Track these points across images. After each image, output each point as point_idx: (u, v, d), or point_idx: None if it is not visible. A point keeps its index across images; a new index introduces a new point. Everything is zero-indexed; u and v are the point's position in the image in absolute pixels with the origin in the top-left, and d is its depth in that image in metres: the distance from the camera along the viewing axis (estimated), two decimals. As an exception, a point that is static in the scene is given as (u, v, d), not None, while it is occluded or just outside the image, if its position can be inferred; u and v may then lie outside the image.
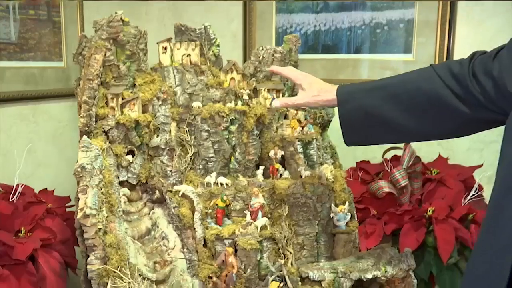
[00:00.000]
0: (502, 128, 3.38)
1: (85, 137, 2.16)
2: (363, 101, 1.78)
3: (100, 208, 2.12)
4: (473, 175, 3.26)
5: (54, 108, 3.03)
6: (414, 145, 3.14)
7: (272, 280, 2.09)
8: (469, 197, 3.11)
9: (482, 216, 3.03)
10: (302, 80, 1.93)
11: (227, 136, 2.49)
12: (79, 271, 2.50)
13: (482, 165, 3.31)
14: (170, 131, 2.43)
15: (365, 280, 2.29)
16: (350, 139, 1.85)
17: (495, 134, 3.35)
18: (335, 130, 3.66)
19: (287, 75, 2.05)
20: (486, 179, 3.35)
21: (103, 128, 2.36)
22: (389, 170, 3.19)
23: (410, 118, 1.69)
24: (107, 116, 2.36)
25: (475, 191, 3.12)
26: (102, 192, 2.15)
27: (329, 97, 1.85)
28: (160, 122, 2.42)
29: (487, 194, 3.29)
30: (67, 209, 2.69)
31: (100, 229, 2.07)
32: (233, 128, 2.48)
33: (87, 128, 2.31)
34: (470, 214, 3.03)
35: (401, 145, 3.18)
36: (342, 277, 2.24)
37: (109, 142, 2.37)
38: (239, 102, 2.54)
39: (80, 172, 2.07)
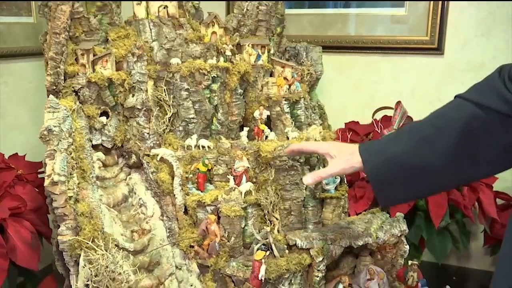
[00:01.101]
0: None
1: (51, 96, 1.97)
2: (389, 152, 1.60)
3: (71, 174, 1.95)
4: (466, 135, 3.15)
5: (24, 67, 2.81)
6: (405, 103, 3.00)
7: (257, 249, 1.95)
8: (461, 159, 3.00)
9: (474, 178, 2.93)
10: (328, 148, 1.80)
11: (208, 95, 2.31)
12: (53, 241, 2.36)
13: (475, 125, 3.19)
14: (146, 90, 2.24)
15: (355, 247, 2.18)
16: (384, 199, 1.64)
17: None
18: (323, 89, 3.54)
19: (310, 149, 1.93)
20: (479, 140, 3.25)
21: (73, 87, 2.17)
22: (379, 131, 3.06)
23: (447, 157, 1.47)
24: (77, 74, 2.17)
25: (468, 152, 3.01)
26: (72, 157, 1.98)
27: (359, 158, 1.67)
28: (135, 80, 2.23)
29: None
30: (40, 176, 2.52)
31: (70, 197, 1.91)
32: (215, 86, 2.30)
33: (54, 87, 2.12)
34: (462, 176, 2.92)
35: (392, 104, 3.04)
36: (331, 244, 2.12)
37: (80, 103, 2.19)
38: (221, 59, 2.35)
39: (46, 135, 1.89)
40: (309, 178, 1.83)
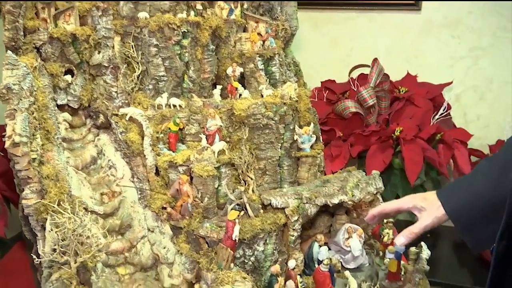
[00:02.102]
0: (472, 43, 3.22)
1: (9, 52, 1.85)
2: (469, 191, 1.49)
3: (33, 135, 1.85)
4: (442, 93, 3.13)
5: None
6: (382, 61, 2.95)
7: (231, 209, 1.90)
8: (437, 116, 2.98)
9: (450, 136, 2.93)
10: (413, 201, 1.64)
11: (179, 52, 2.21)
12: (20, 206, 2.27)
13: (451, 82, 3.17)
14: (113, 47, 2.13)
15: (331, 205, 2.15)
16: (474, 242, 1.53)
17: (466, 49, 3.20)
18: (299, 46, 3.46)
19: (392, 208, 1.73)
20: (455, 97, 3.23)
21: (34, 44, 2.04)
22: (355, 89, 3.01)
23: None
24: (38, 30, 2.04)
25: (443, 110, 2.99)
26: (34, 117, 1.88)
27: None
28: (101, 36, 2.12)
29: (455, 113, 3.18)
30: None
31: (34, 159, 1.82)
32: (185, 42, 2.20)
33: (14, 43, 1.99)
34: (438, 133, 2.91)
35: (369, 62, 2.98)
36: (306, 203, 2.08)
37: (42, 60, 2.07)
38: (192, 13, 2.25)
39: (5, 94, 1.79)
40: (402, 239, 1.63)
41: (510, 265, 1.17)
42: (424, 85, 3.15)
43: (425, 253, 2.12)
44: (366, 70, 3.11)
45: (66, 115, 2.18)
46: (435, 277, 2.80)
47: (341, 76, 3.38)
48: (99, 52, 2.13)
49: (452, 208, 1.52)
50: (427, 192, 1.64)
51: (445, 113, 3.01)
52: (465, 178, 1.60)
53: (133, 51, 2.15)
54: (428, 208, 1.58)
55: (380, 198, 2.31)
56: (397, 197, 2.95)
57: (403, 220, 3.37)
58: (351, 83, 3.18)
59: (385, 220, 2.23)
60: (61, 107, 2.18)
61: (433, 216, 1.55)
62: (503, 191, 1.35)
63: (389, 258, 2.13)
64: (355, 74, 3.29)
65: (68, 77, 2.14)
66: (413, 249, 2.12)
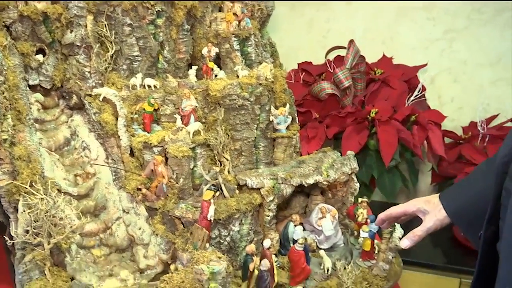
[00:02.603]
0: (447, 25, 3.24)
1: (-23, 30, 1.81)
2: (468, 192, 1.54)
3: (4, 115, 1.82)
4: (417, 75, 3.16)
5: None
6: (358, 43, 2.96)
7: (206, 189, 1.90)
8: (412, 98, 3.01)
9: (424, 117, 2.97)
10: (417, 204, 1.67)
11: (153, 31, 2.18)
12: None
13: (426, 64, 3.20)
14: (86, 26, 2.08)
15: (306, 185, 2.16)
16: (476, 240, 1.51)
17: (440, 31, 3.23)
18: (275, 28, 3.44)
19: (399, 212, 1.74)
20: (429, 79, 3.27)
21: (3, 22, 1.99)
22: (332, 71, 3.02)
23: None
24: (8, 7, 1.98)
25: (418, 92, 3.02)
26: (5, 97, 1.84)
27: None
28: (73, 14, 2.07)
29: (429, 94, 3.22)
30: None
31: (5, 139, 1.79)
32: (159, 21, 2.17)
33: (-18, 21, 1.94)
34: (412, 115, 2.95)
35: (345, 44, 2.99)
36: (282, 183, 2.10)
37: (13, 39, 2.02)
38: (166, -8, 2.21)
39: (-26, 73, 1.75)
40: (407, 242, 1.65)
41: (496, 251, 1.19)
42: (399, 67, 3.17)
43: (398, 232, 2.14)
44: (342, 52, 3.11)
45: (38, 96, 2.14)
46: (409, 257, 2.86)
47: (317, 58, 3.38)
48: (71, 31, 2.08)
49: (453, 210, 1.56)
50: (431, 195, 1.67)
51: (420, 95, 3.04)
52: (465, 179, 1.63)
53: (106, 30, 2.11)
54: (431, 211, 1.61)
55: (355, 178, 2.33)
56: (373, 178, 2.99)
57: (378, 201, 3.43)
58: (328, 65, 3.19)
59: (359, 200, 2.25)
60: (33, 88, 2.13)
61: (436, 218, 1.59)
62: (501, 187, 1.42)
63: (363, 237, 2.16)
64: (331, 56, 3.30)
65: (39, 57, 2.10)
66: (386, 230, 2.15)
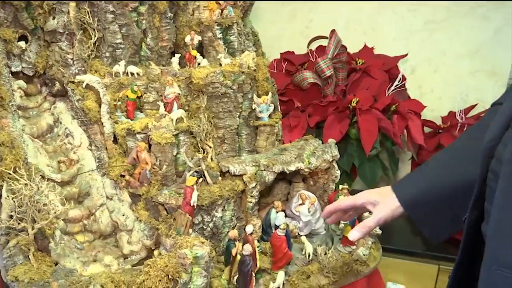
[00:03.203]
0: (427, 16, 3.28)
1: (-42, 16, 1.80)
2: (420, 182, 1.50)
3: (-14, 101, 1.82)
4: (398, 65, 3.20)
5: None
6: (340, 33, 2.99)
7: (189, 176, 1.92)
8: (392, 88, 3.06)
9: (404, 107, 3.02)
10: (367, 196, 1.61)
11: (136, 19, 2.19)
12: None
13: (407, 54, 3.25)
14: (68, 12, 2.07)
15: (288, 172, 2.20)
16: (430, 231, 1.51)
17: (421, 22, 3.27)
18: (258, 18, 3.46)
19: (347, 204, 1.67)
20: (410, 69, 3.32)
21: (-16, 9, 1.98)
22: (314, 61, 3.05)
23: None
24: (-11, -7, 1.98)
25: (398, 81, 3.07)
26: (-13, 83, 1.84)
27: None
28: (56, 1, 2.06)
29: (409, 84, 3.27)
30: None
31: (-12, 125, 1.79)
32: (142, 9, 2.17)
33: (-37, 7, 1.93)
34: (393, 104, 2.99)
35: (328, 34, 3.02)
36: (264, 170, 2.12)
37: (-6, 25, 2.01)
38: (149, -20, 2.21)
39: (-45, 59, 1.74)
40: (356, 233, 1.58)
41: (481, 234, 1.22)
42: (380, 57, 3.22)
43: (378, 217, 2.19)
44: (325, 42, 3.14)
45: (21, 83, 2.13)
46: (389, 244, 2.92)
47: (300, 47, 3.41)
48: (53, 18, 2.07)
49: (406, 199, 1.51)
50: (383, 187, 1.62)
51: (400, 85, 3.09)
52: (419, 169, 1.59)
53: (89, 17, 2.10)
54: (382, 201, 1.56)
55: (336, 166, 2.37)
56: (354, 167, 3.04)
57: (359, 190, 3.47)
58: (310, 55, 3.22)
59: (340, 187, 2.29)
60: (15, 75, 2.13)
61: (387, 208, 1.53)
62: (458, 177, 1.39)
63: (344, 224, 2.21)
64: (314, 46, 3.33)
65: (22, 43, 2.09)
66: (366, 214, 2.19)
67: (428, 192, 1.47)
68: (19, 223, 1.69)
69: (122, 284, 1.56)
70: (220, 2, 2.35)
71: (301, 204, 2.28)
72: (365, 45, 3.29)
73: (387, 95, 3.04)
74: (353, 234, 1.58)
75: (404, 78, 3.13)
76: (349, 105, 2.91)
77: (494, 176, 1.16)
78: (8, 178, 1.76)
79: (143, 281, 1.56)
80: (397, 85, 3.06)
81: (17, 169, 1.77)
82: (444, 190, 1.44)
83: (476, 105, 3.15)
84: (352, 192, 2.56)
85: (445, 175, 1.46)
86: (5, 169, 1.77)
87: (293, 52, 3.36)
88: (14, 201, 1.69)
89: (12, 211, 1.71)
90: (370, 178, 3.05)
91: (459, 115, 3.05)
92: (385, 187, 1.59)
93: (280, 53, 3.35)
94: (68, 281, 1.59)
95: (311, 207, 2.27)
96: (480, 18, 3.14)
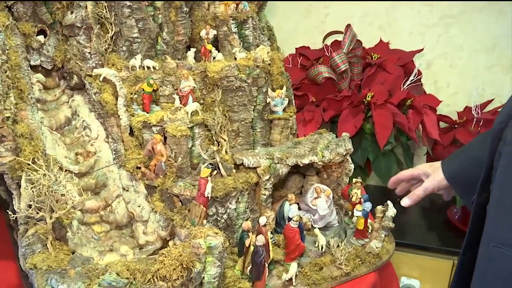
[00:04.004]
0: (443, 11, 3.26)
1: (-20, 10, 1.84)
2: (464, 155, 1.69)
3: (7, 94, 1.86)
4: (413, 59, 3.19)
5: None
6: (356, 28, 2.99)
7: (204, 167, 1.95)
8: (408, 82, 3.05)
9: (419, 102, 3.01)
10: (423, 168, 1.89)
11: (152, 13, 2.22)
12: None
13: (422, 49, 3.23)
14: (86, 7, 2.11)
15: (301, 165, 2.21)
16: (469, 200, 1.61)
17: (437, 17, 3.26)
18: (274, 13, 3.47)
19: (407, 174, 1.95)
20: (425, 64, 3.31)
21: (5, 3, 2.02)
22: (329, 55, 3.06)
23: None
24: (9, -12, 2.02)
25: (414, 76, 3.06)
26: (7, 76, 1.88)
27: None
28: (73, -4, 2.10)
29: (425, 79, 3.26)
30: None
31: (8, 117, 1.83)
32: (158, 3, 2.20)
33: (-16, 2, 1.98)
34: (408, 99, 2.99)
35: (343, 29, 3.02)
36: (278, 163, 2.14)
37: (14, 19, 2.05)
38: (165, -26, 2.24)
39: (-23, 52, 1.78)
40: (407, 200, 1.84)
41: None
42: (396, 52, 3.21)
43: (391, 211, 2.20)
44: (340, 37, 3.15)
45: (40, 76, 2.18)
46: (405, 239, 2.93)
47: (315, 42, 3.42)
48: (71, 12, 2.11)
49: (450, 173, 1.72)
50: (437, 161, 1.83)
51: (416, 80, 3.08)
52: (465, 146, 1.77)
53: (106, 12, 2.14)
54: (432, 173, 1.79)
55: (350, 159, 2.38)
56: (368, 161, 3.04)
57: (374, 185, 3.48)
58: (325, 50, 3.22)
59: (354, 180, 2.30)
60: (34, 68, 2.17)
61: (435, 180, 1.76)
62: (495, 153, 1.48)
63: (357, 216, 2.22)
64: (329, 41, 3.34)
65: (40, 38, 2.13)
66: (379, 207, 2.20)
67: (468, 168, 1.65)
68: (37, 213, 1.73)
69: (137, 272, 1.59)
70: (235, -4, 2.37)
71: (316, 198, 2.29)
72: (380, 39, 3.29)
73: (402, 90, 3.03)
74: (405, 201, 1.85)
75: (419, 73, 3.12)
76: (364, 100, 2.92)
77: (499, 157, 1.20)
78: (27, 168, 1.80)
79: (158, 269, 1.59)
80: (412, 79, 3.05)
81: (35, 160, 1.81)
82: (482, 166, 1.51)
83: (492, 100, 3.13)
84: (367, 188, 2.57)
85: (482, 154, 1.52)
86: (24, 159, 1.81)
87: (308, 47, 3.37)
88: (32, 191, 1.73)
89: (30, 201, 1.74)
90: (384, 173, 3.05)
91: (475, 110, 3.03)
92: (437, 161, 1.83)
93: (296, 48, 3.36)
94: (85, 269, 1.62)
95: (327, 200, 2.29)
96: (497, 13, 3.11)
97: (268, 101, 2.33)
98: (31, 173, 1.76)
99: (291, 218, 2.03)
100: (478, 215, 1.31)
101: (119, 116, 2.08)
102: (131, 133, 2.12)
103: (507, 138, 1.15)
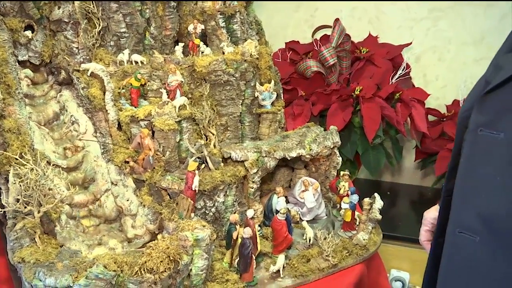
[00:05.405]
0: (432, 4, 3.27)
1: (-35, 5, 1.84)
2: None
3: (-7, 89, 1.87)
4: (402, 53, 3.21)
5: None
6: (345, 22, 3.00)
7: (191, 161, 1.96)
8: (396, 76, 3.07)
9: (408, 95, 3.03)
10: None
11: (139, 8, 2.22)
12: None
13: (411, 43, 3.25)
14: (73, 2, 2.11)
15: (289, 158, 2.23)
16: None
17: (426, 10, 3.28)
18: (263, 7, 3.47)
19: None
20: (414, 58, 3.32)
21: (-8, -2, 2.03)
22: (318, 49, 3.07)
23: None
24: (-5, -16, 2.02)
25: (402, 70, 3.08)
26: (-6, 71, 1.88)
27: None
28: (60, -9, 2.11)
29: (414, 73, 3.28)
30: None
31: (-5, 112, 1.84)
32: (146, -2, 2.21)
33: (-30, -2, 1.98)
34: (396, 92, 3.01)
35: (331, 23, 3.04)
36: (265, 156, 2.16)
37: (1, 15, 2.05)
38: (152, -31, 2.24)
39: (-37, 47, 1.79)
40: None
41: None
42: (385, 46, 3.23)
43: (378, 203, 2.22)
44: (329, 31, 3.16)
45: (28, 71, 2.18)
46: (395, 232, 2.95)
47: (305, 37, 3.43)
48: (59, 8, 2.12)
49: None
50: None
51: (405, 73, 3.10)
52: None
53: (94, 7, 2.14)
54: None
55: (337, 152, 2.40)
56: (357, 154, 3.06)
57: (363, 179, 3.50)
58: (315, 44, 3.24)
59: (341, 173, 2.32)
60: (22, 64, 2.18)
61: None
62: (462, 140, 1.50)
63: (344, 209, 2.24)
64: (319, 35, 3.35)
65: (28, 33, 2.13)
66: (366, 199, 2.22)
67: None
68: (25, 207, 1.74)
69: (124, 264, 1.60)
70: (223, -9, 2.38)
71: (304, 191, 2.31)
72: (369, 34, 3.30)
73: (390, 83, 3.05)
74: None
75: (408, 67, 3.14)
76: (353, 94, 2.93)
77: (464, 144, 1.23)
78: (15, 163, 1.81)
79: (145, 262, 1.60)
80: (401, 73, 3.07)
81: (23, 154, 1.82)
82: None
83: (480, 93, 3.14)
84: (357, 182, 2.60)
85: None
86: (12, 154, 1.82)
87: (298, 41, 3.38)
88: (20, 185, 1.74)
89: (18, 195, 1.75)
90: (373, 166, 3.07)
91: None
92: None
93: (285, 43, 3.37)
94: (73, 262, 1.63)
95: (314, 193, 2.30)
96: (485, 5, 3.13)
97: (256, 95, 2.35)
98: (19, 167, 1.77)
99: (279, 211, 2.05)
100: (447, 201, 1.34)
101: (107, 110, 2.09)
102: (119, 127, 2.13)
103: (470, 126, 1.18)
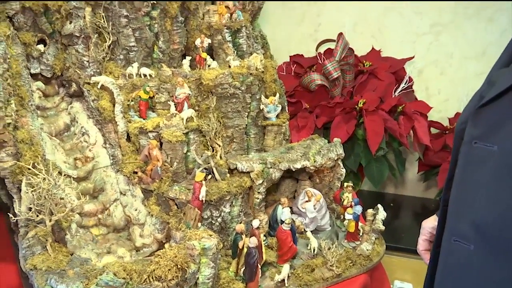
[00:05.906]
0: (434, 19, 3.32)
1: (-18, 20, 1.91)
2: None
3: (8, 101, 1.92)
4: (404, 67, 3.27)
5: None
6: (348, 36, 3.06)
7: (199, 172, 2.01)
8: (399, 89, 3.12)
9: (410, 108, 3.08)
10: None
11: (148, 23, 2.29)
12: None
13: (413, 57, 3.31)
14: (84, 17, 2.18)
15: (294, 170, 2.27)
16: None
17: (427, 25, 3.33)
18: (267, 22, 3.54)
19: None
20: (416, 71, 3.38)
21: (6, 13, 2.09)
22: (322, 63, 3.13)
23: None
24: (10, -1, 2.09)
25: (405, 83, 3.13)
26: (9, 84, 1.94)
27: None
28: (72, 6, 2.17)
29: (416, 86, 3.33)
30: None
31: (9, 123, 1.89)
32: (154, 13, 2.28)
33: (-14, 13, 2.04)
34: (399, 105, 3.06)
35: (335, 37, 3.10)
36: (271, 167, 2.20)
37: (15, 29, 2.12)
38: (161, -15, 2.31)
39: (-21, 61, 1.85)
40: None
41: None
42: (387, 60, 3.28)
43: (381, 214, 2.26)
44: (333, 45, 3.21)
45: (40, 84, 2.25)
46: (398, 243, 2.97)
47: (309, 51, 3.49)
48: (70, 22, 2.18)
49: None
50: None
51: (407, 86, 3.15)
52: None
53: (104, 22, 2.21)
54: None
55: (341, 164, 2.44)
56: (360, 166, 3.10)
57: (367, 191, 3.54)
58: (319, 58, 3.30)
59: (345, 184, 2.36)
60: (34, 76, 2.24)
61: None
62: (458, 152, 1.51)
63: (348, 219, 2.27)
64: (323, 49, 3.41)
65: (40, 47, 2.20)
66: (370, 211, 2.26)
67: None
68: (37, 215, 1.79)
69: (133, 272, 1.64)
70: (230, 6, 2.44)
71: (307, 201, 2.35)
72: (372, 47, 3.36)
73: (393, 96, 3.10)
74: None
75: (411, 80, 3.20)
76: (356, 106, 2.99)
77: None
78: (27, 173, 1.86)
79: (153, 270, 1.65)
80: (403, 86, 3.13)
81: (35, 164, 1.87)
82: None
83: (482, 106, 3.18)
84: (361, 194, 2.63)
85: None
86: (25, 164, 1.87)
87: (302, 55, 3.44)
88: (33, 194, 1.79)
89: (31, 204, 1.80)
90: (377, 178, 3.11)
91: (465, 116, 3.09)
92: None
93: (290, 56, 3.44)
94: (83, 269, 1.68)
95: (316, 204, 2.35)
96: (486, 20, 3.19)
97: (261, 108, 2.40)
98: (31, 177, 1.82)
99: (284, 221, 2.09)
100: (444, 211, 1.38)
101: (116, 122, 2.15)
102: (128, 138, 2.18)
103: (465, 138, 1.22)
